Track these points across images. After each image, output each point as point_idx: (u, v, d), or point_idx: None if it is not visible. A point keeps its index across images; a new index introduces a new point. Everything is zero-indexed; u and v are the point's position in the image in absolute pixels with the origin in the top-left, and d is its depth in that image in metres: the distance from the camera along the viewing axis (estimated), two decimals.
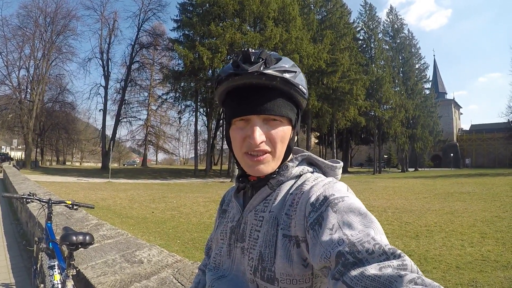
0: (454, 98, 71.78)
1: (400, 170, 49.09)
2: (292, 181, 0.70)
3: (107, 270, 2.01)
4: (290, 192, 0.67)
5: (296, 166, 0.72)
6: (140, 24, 39.97)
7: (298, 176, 0.70)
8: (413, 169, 50.99)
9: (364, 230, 0.49)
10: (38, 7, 35.99)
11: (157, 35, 39.95)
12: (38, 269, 2.41)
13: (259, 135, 0.64)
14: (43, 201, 2.27)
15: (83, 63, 41.05)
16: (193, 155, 44.51)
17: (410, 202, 10.73)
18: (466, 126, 78.11)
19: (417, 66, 49.34)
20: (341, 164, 0.74)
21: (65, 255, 1.98)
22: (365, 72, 35.51)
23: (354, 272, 0.43)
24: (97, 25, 42.89)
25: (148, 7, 40.28)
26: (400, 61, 46.56)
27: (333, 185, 0.62)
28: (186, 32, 28.82)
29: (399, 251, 0.44)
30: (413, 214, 8.37)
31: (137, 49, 40.22)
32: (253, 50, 0.65)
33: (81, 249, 1.97)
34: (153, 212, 8.84)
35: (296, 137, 0.73)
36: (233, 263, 0.72)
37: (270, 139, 0.66)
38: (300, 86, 0.67)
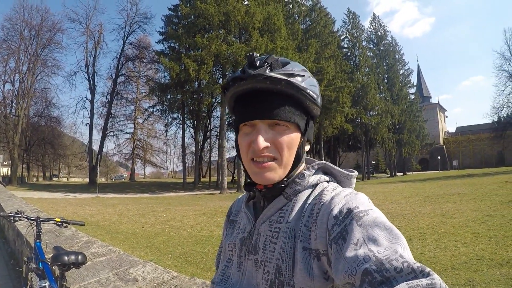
0: (438, 101, 73.37)
1: (389, 175, 49.57)
2: (309, 191, 0.68)
3: None
4: (308, 202, 0.65)
5: (313, 174, 0.70)
6: (125, 37, 39.90)
7: (315, 185, 0.68)
8: (402, 173, 51.40)
9: (391, 247, 0.47)
10: (23, 20, 35.76)
11: (142, 47, 39.92)
12: None
13: (262, 140, 0.62)
14: (31, 219, 2.19)
15: (68, 77, 40.50)
16: (181, 168, 43.93)
17: (401, 206, 10.81)
18: (452, 129, 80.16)
19: (401, 72, 50.28)
20: (356, 173, 0.72)
21: (56, 275, 1.91)
22: (351, 80, 35.98)
23: None
24: (83, 38, 42.03)
25: (134, 20, 40.36)
26: (385, 67, 47.49)
27: (355, 197, 0.60)
28: (172, 44, 28.85)
29: (428, 269, 0.42)
30: (404, 218, 8.42)
31: (123, 62, 39.98)
32: (257, 55, 0.64)
33: (73, 269, 1.90)
34: (143, 227, 8.67)
35: (307, 146, 0.72)
36: (243, 276, 0.68)
37: (276, 145, 0.64)
38: (308, 91, 0.64)
